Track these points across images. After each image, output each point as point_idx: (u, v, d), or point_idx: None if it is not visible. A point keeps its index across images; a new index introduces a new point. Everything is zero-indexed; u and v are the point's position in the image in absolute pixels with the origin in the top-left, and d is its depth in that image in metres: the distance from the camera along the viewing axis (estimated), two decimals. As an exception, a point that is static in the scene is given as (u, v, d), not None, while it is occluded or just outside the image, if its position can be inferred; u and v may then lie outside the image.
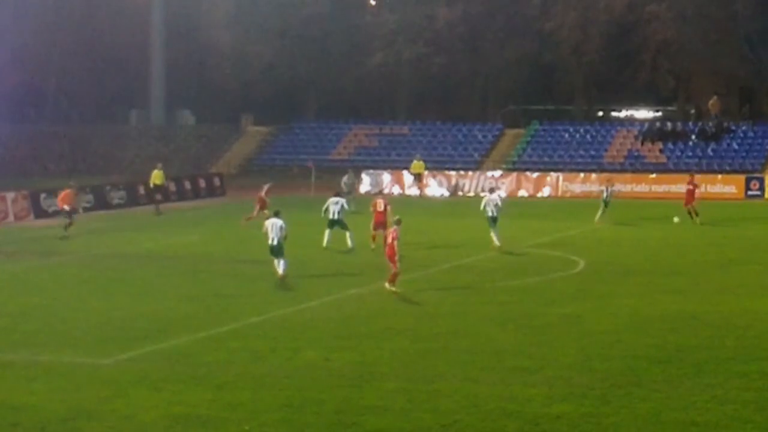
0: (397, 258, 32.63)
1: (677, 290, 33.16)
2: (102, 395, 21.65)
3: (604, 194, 52.27)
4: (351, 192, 55.63)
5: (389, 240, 32.93)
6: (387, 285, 32.74)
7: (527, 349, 25.36)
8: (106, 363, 24.28)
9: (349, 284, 34.23)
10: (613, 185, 54.14)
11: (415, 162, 70.89)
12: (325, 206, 42.53)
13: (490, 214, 42.57)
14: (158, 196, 59.24)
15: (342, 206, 42.42)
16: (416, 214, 49.27)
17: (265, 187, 49.62)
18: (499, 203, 43.45)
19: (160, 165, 61.50)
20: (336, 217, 42.14)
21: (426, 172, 71.06)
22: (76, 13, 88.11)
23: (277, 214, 36.31)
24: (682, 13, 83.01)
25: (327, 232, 42.33)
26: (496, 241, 42.03)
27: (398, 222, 33.69)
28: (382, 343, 26.05)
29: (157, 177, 59.88)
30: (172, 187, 67.13)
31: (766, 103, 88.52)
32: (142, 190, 64.01)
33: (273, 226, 35.34)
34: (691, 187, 52.82)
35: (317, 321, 28.88)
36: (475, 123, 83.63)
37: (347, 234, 41.97)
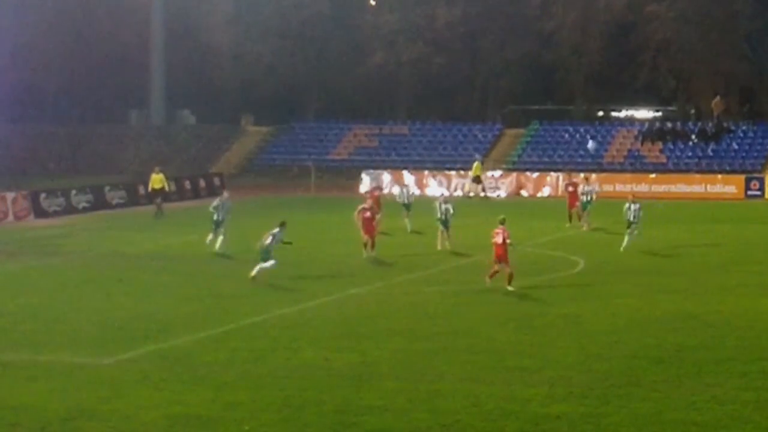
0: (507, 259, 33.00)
1: (677, 290, 33.17)
2: (102, 395, 21.65)
3: (586, 197, 49.50)
4: (409, 204, 49.85)
5: (499, 240, 32.82)
6: (508, 287, 32.75)
7: (527, 349, 25.37)
8: (106, 363, 24.28)
9: (349, 284, 34.24)
10: (590, 184, 51.59)
11: (476, 164, 70.12)
12: (216, 204, 42.54)
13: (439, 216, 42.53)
14: (158, 200, 57.08)
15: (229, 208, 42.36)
16: (421, 214, 49.16)
17: (372, 188, 49.49)
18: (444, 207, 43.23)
19: (157, 168, 59.06)
20: (219, 217, 41.96)
21: (483, 174, 69.74)
22: (76, 12, 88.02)
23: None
24: (682, 13, 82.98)
25: (223, 236, 41.76)
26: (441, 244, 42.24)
27: (503, 221, 33.62)
28: (382, 343, 26.06)
29: (155, 181, 57.72)
30: (172, 186, 67.07)
31: (766, 103, 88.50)
32: (142, 190, 63.89)
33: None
34: (571, 188, 50.75)
35: (317, 321, 28.89)
36: (475, 123, 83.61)
37: (220, 238, 41.67)
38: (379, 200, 47.57)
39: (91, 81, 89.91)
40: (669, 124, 78.64)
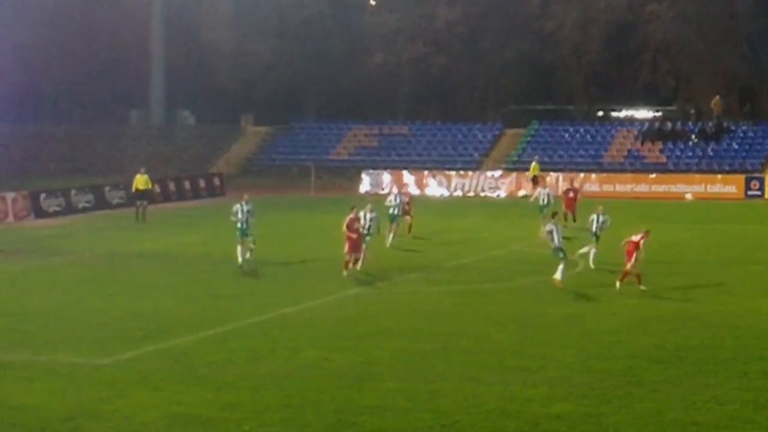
0: (633, 259, 32.72)
1: (677, 290, 33.16)
2: (102, 395, 21.65)
3: (543, 199, 47.97)
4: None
5: (634, 238, 32.83)
6: (640, 286, 32.56)
7: (527, 349, 25.37)
8: (106, 363, 24.27)
9: (349, 284, 34.22)
10: (545, 187, 49.77)
11: (533, 164, 69.50)
12: (234, 209, 38.31)
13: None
14: (144, 202, 55.53)
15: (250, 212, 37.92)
16: (421, 213, 49.14)
17: (408, 195, 47.68)
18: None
19: (143, 169, 57.68)
20: (244, 225, 37.86)
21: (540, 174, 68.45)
22: (76, 12, 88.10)
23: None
24: (682, 13, 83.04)
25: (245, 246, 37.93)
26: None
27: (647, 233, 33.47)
28: (382, 343, 26.06)
29: (140, 182, 56.38)
30: (172, 187, 67.01)
31: (766, 103, 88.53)
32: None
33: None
34: (571, 194, 49.31)
35: (317, 321, 28.89)
36: (475, 123, 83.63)
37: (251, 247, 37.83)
38: (410, 202, 46.28)
39: (91, 81, 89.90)
40: (669, 124, 78.67)
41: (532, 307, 30.64)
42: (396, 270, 37.42)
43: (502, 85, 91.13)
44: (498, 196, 69.36)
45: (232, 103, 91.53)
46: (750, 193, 67.14)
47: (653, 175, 70.29)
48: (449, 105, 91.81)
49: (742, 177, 68.74)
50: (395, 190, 49.10)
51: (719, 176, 69.37)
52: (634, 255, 32.81)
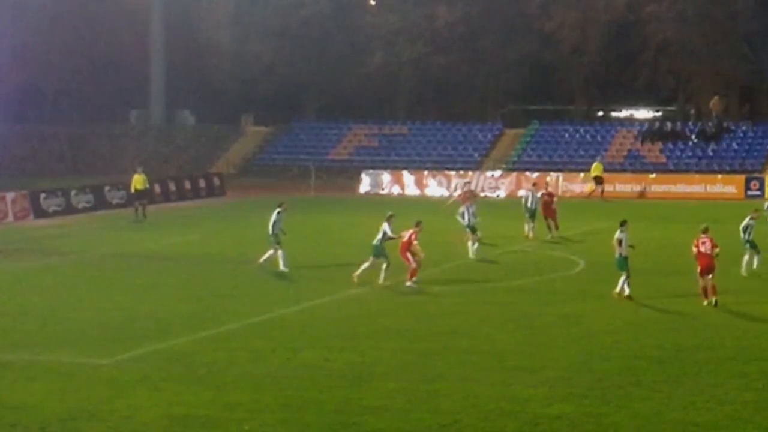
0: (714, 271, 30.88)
1: (678, 290, 33.14)
2: (102, 395, 21.65)
3: (529, 202, 46.58)
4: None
5: (703, 249, 30.78)
6: (714, 300, 30.39)
7: (527, 349, 25.38)
8: (106, 363, 24.28)
9: (349, 284, 34.21)
10: (537, 191, 48.08)
11: (595, 164, 68.87)
12: (272, 220, 37.50)
13: None
14: (144, 201, 55.36)
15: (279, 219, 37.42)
16: (421, 214, 49.01)
17: (465, 192, 46.15)
18: None
19: (140, 169, 57.45)
20: (272, 230, 37.30)
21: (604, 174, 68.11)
22: (76, 13, 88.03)
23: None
24: (682, 13, 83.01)
25: (274, 251, 37.29)
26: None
27: (707, 230, 31.32)
28: (382, 343, 26.07)
29: (138, 181, 56.03)
30: (172, 187, 67.00)
31: (766, 103, 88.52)
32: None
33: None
34: (547, 198, 47.36)
35: (317, 321, 28.90)
36: (475, 123, 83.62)
37: (279, 253, 37.10)
38: (474, 198, 44.70)
39: (91, 81, 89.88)
40: (669, 124, 78.67)
41: (532, 307, 30.64)
42: (396, 270, 37.41)
43: (502, 85, 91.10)
44: (498, 196, 69.32)
45: (232, 103, 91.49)
46: (750, 193, 67.09)
47: (653, 175, 70.27)
48: (449, 105, 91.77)
49: (742, 177, 68.72)
50: (462, 200, 45.93)
51: (719, 176, 69.36)
52: (714, 267, 30.88)
